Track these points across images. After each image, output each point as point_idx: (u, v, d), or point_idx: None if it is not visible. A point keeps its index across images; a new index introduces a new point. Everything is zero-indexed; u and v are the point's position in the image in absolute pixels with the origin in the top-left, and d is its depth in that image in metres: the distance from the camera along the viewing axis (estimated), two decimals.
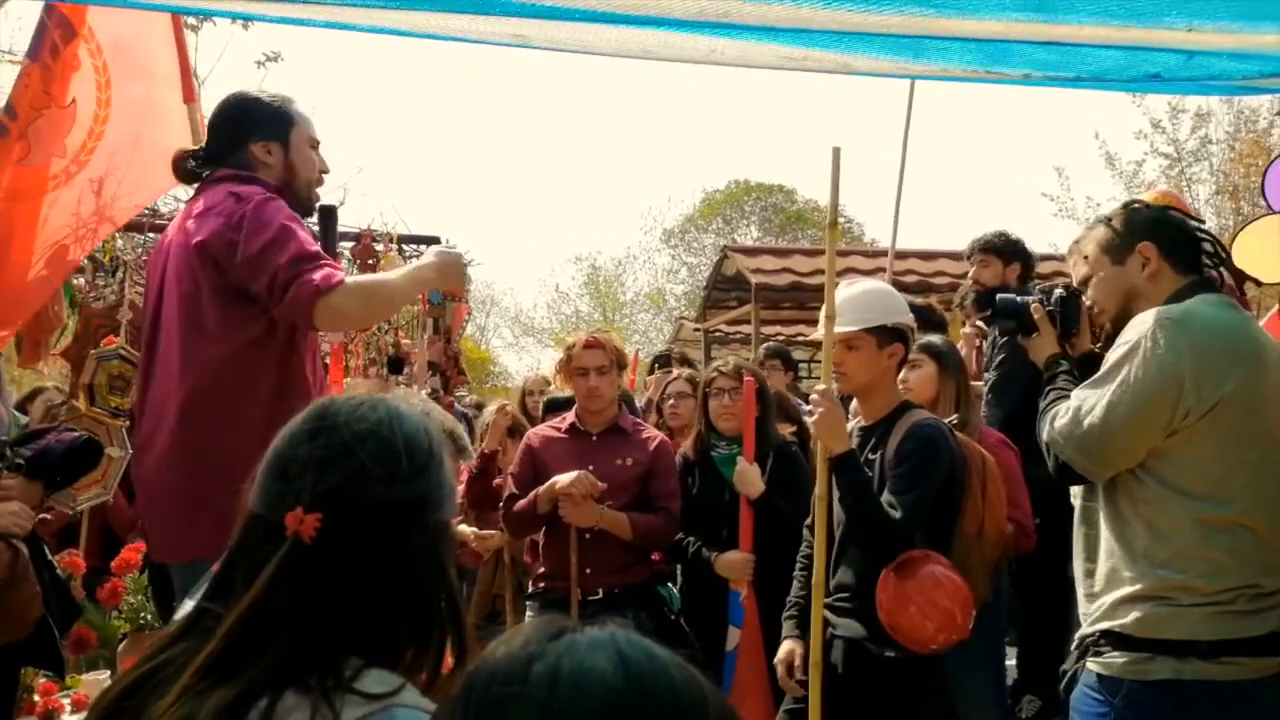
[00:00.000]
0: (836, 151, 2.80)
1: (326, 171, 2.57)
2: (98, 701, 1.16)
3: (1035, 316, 2.37)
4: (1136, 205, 2.29)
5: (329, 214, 2.56)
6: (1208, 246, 2.19)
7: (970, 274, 4.47)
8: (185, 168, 2.59)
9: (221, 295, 2.33)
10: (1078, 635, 2.14)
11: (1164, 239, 2.15)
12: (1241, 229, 5.05)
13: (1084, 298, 2.28)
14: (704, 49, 2.54)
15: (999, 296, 2.48)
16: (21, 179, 3.33)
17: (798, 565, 2.95)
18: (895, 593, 2.56)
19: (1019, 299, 2.45)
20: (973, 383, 3.56)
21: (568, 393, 3.65)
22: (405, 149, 41.47)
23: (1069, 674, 2.14)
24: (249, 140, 2.48)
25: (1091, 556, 2.13)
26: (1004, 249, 4.38)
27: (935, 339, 3.46)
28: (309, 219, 2.54)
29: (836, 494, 2.68)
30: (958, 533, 2.71)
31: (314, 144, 2.56)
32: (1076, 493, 2.24)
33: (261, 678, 1.05)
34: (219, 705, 1.03)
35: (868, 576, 2.66)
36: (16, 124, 3.29)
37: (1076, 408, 2.07)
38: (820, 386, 2.76)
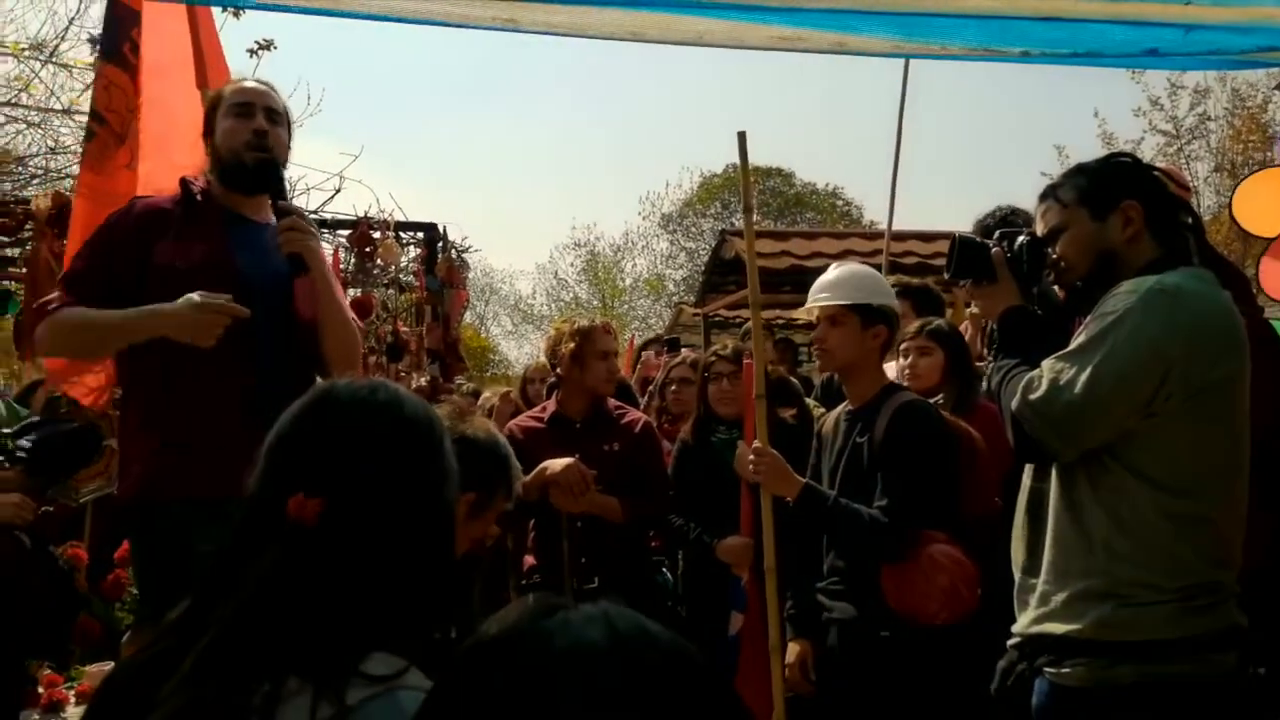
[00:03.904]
0: (742, 136, 2.78)
1: (262, 130, 2.43)
2: (102, 686, 1.16)
3: (995, 263, 2.11)
4: (1124, 158, 2.10)
5: (267, 168, 2.41)
6: (1185, 216, 2.02)
7: None
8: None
9: None
10: (1017, 629, 2.00)
11: (1150, 200, 1.96)
12: (1241, 182, 5.15)
13: (1050, 250, 2.05)
14: (695, 30, 2.53)
15: (958, 236, 2.18)
16: (132, 185, 3.21)
17: (796, 557, 2.96)
18: (898, 579, 2.60)
19: (979, 240, 2.18)
20: (977, 364, 3.52)
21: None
22: (401, 136, 41.35)
23: (1013, 674, 1.99)
24: (206, 144, 2.51)
25: (1036, 543, 1.98)
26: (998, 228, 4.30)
27: (942, 323, 3.41)
28: (254, 182, 2.45)
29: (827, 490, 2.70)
30: (955, 511, 2.72)
31: (239, 110, 2.44)
32: (1026, 472, 2.07)
33: (265, 662, 1.05)
34: (222, 690, 1.03)
35: (860, 560, 2.69)
36: (107, 129, 3.23)
37: (1053, 380, 1.87)
38: (756, 444, 2.80)
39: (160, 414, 2.28)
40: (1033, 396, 1.89)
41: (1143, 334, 1.81)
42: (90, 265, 2.37)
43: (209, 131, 2.48)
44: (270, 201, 2.42)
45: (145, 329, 2.25)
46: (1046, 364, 1.91)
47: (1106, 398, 1.82)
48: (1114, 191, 1.97)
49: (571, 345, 3.31)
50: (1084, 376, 1.83)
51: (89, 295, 2.32)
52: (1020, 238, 2.10)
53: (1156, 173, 2.07)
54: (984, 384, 3.54)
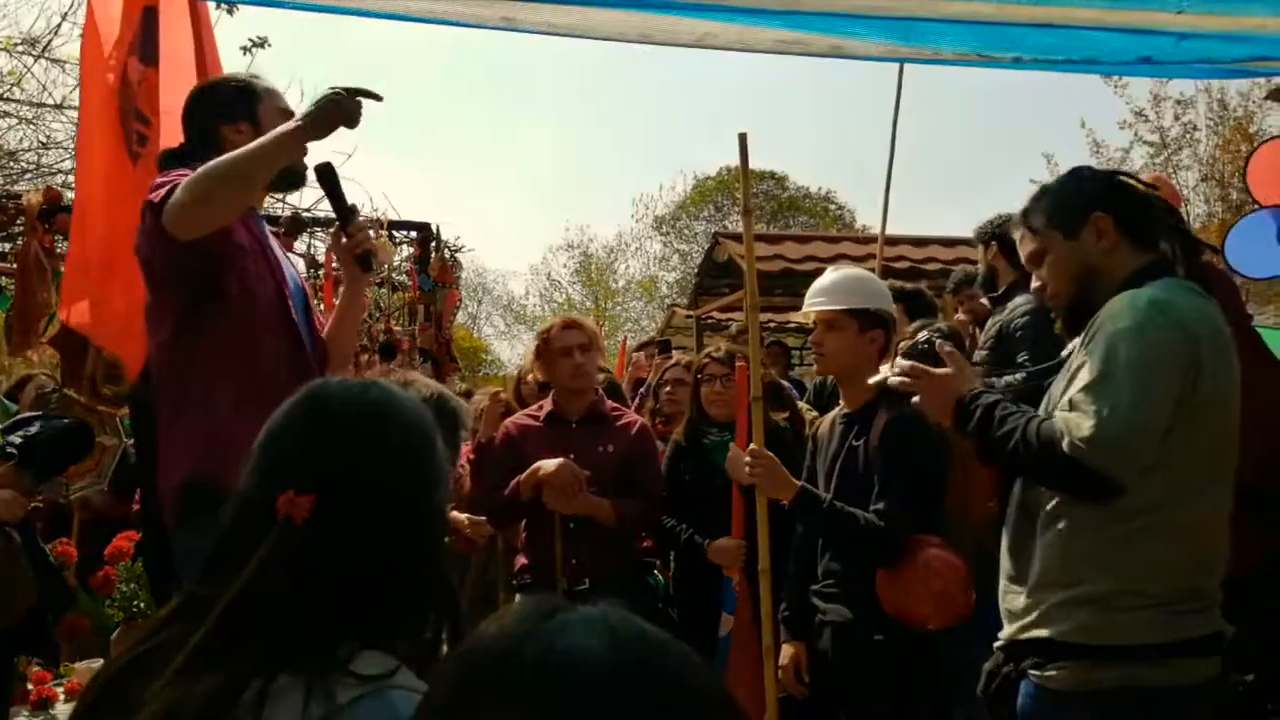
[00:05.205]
0: (743, 137, 2.79)
1: None
2: (91, 684, 1.16)
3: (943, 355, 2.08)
4: (1084, 171, 2.07)
5: (326, 173, 2.43)
6: (1161, 216, 1.99)
7: (987, 259, 4.01)
8: (166, 166, 2.53)
9: (153, 290, 2.33)
10: (1004, 634, 2.00)
11: (1119, 208, 1.94)
12: (1251, 154, 5.27)
13: (1035, 279, 2.04)
14: (697, 32, 2.54)
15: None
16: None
17: (790, 559, 2.97)
18: (891, 583, 2.62)
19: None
20: None
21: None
22: (395, 135, 41.24)
23: (998, 677, 2.00)
24: (218, 125, 2.43)
25: (1023, 549, 1.98)
26: (1005, 237, 4.26)
27: (943, 326, 3.42)
28: (303, 185, 2.54)
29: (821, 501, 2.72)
30: (942, 516, 2.73)
31: (286, 113, 2.45)
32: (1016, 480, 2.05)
33: (255, 660, 1.05)
34: (212, 688, 1.02)
35: (854, 563, 2.69)
36: (152, 130, 3.25)
37: (1096, 412, 1.78)
38: (753, 447, 2.79)
39: (218, 407, 2.22)
40: (1080, 434, 1.78)
41: (1157, 339, 1.80)
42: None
43: (250, 117, 2.42)
44: (330, 201, 2.46)
45: (298, 135, 2.16)
46: (1076, 400, 1.84)
47: (1154, 407, 1.79)
48: (1080, 206, 1.96)
49: (535, 346, 3.34)
50: (1124, 396, 1.78)
51: None
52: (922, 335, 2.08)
53: (1122, 178, 2.05)
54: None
